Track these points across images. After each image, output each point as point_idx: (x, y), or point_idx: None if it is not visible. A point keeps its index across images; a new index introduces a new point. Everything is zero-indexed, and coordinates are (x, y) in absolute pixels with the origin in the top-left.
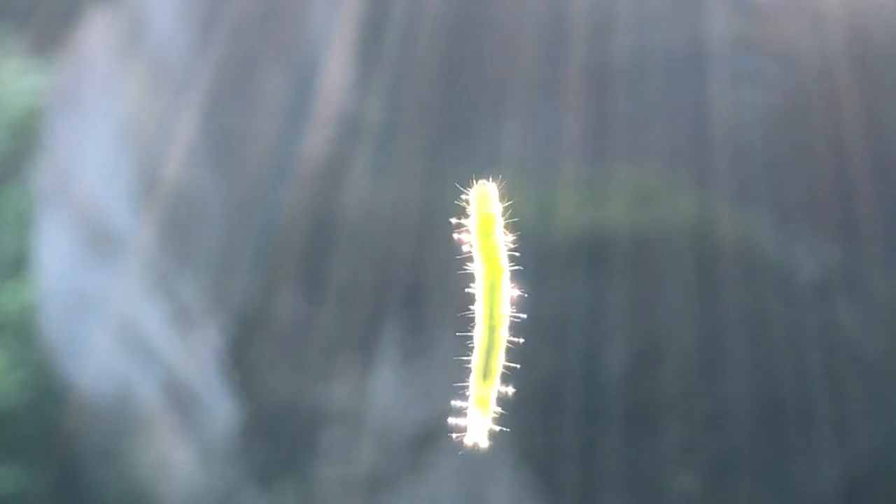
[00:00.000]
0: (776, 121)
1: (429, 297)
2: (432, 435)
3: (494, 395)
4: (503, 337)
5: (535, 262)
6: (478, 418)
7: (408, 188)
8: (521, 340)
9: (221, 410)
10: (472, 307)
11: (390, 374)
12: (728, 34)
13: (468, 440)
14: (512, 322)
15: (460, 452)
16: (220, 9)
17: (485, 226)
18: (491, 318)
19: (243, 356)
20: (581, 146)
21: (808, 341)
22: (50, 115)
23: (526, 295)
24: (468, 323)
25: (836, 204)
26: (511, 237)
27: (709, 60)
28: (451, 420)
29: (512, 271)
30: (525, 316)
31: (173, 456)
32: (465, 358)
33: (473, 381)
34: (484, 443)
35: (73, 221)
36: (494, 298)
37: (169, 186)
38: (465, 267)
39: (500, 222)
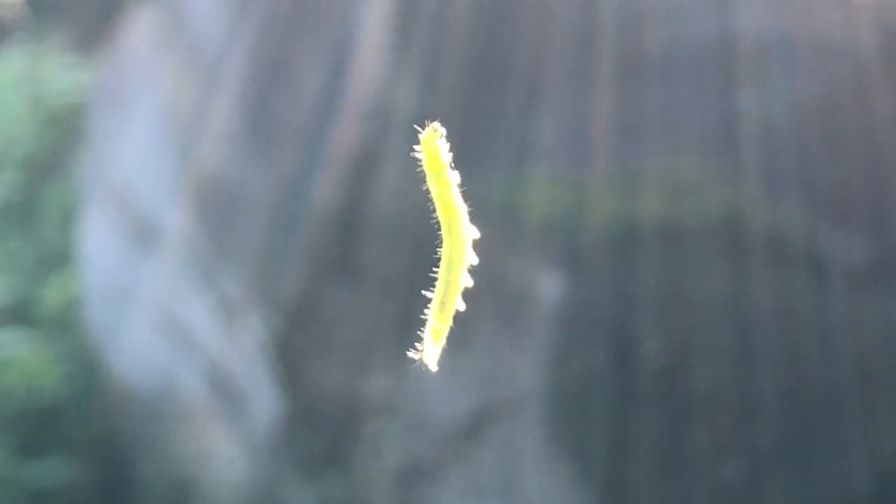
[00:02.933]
0: (809, 112)
1: (469, 288)
2: (475, 426)
3: (447, 327)
4: (461, 274)
5: (569, 254)
6: (431, 345)
7: None
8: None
9: (265, 402)
10: (512, 296)
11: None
12: (761, 25)
13: (421, 362)
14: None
15: (413, 367)
16: (257, 3)
17: (435, 168)
18: (450, 256)
19: (287, 348)
20: (614, 139)
21: (842, 333)
22: (92, 111)
23: (564, 287)
24: (509, 315)
25: (869, 196)
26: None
27: (741, 52)
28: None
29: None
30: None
31: (218, 447)
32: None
33: (431, 312)
34: (433, 367)
35: (116, 215)
36: (452, 238)
37: (210, 179)
38: (506, 257)
39: (449, 164)
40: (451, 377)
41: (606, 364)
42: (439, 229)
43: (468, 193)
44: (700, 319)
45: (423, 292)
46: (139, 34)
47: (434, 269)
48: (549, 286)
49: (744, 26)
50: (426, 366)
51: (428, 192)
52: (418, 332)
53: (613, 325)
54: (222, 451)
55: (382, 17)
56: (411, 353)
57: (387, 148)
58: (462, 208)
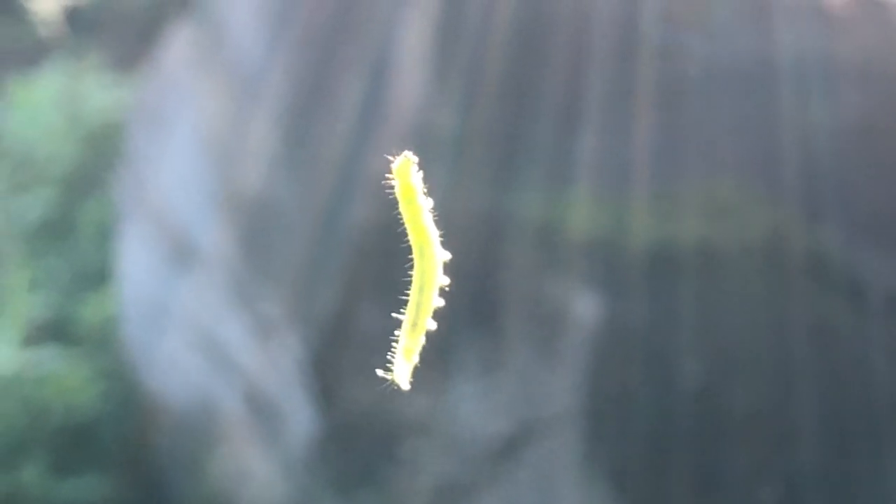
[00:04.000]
0: (849, 135)
1: (506, 308)
2: (511, 446)
3: (419, 346)
4: (432, 296)
5: (607, 275)
6: (403, 364)
7: (482, 199)
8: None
9: (302, 420)
10: (549, 316)
11: (468, 386)
12: (800, 47)
13: (393, 381)
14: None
15: (384, 386)
16: (296, 21)
17: (407, 194)
18: (422, 278)
19: (323, 366)
20: (652, 159)
21: (881, 357)
22: (130, 129)
23: (600, 307)
24: (545, 336)
25: None
26: (431, 205)
27: (781, 73)
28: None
29: (440, 237)
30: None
31: (254, 466)
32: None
33: (403, 332)
34: (405, 385)
35: (154, 233)
36: (424, 261)
37: (249, 198)
38: (542, 277)
39: (421, 191)
40: (488, 397)
41: (643, 385)
42: (474, 248)
43: (506, 212)
44: (738, 341)
45: (460, 313)
46: (178, 53)
47: (469, 288)
48: (585, 306)
49: (784, 48)
50: (397, 385)
51: (466, 211)
52: (391, 352)
53: (650, 346)
54: (258, 469)
55: (422, 37)
56: (381, 372)
57: (424, 168)
58: (434, 232)
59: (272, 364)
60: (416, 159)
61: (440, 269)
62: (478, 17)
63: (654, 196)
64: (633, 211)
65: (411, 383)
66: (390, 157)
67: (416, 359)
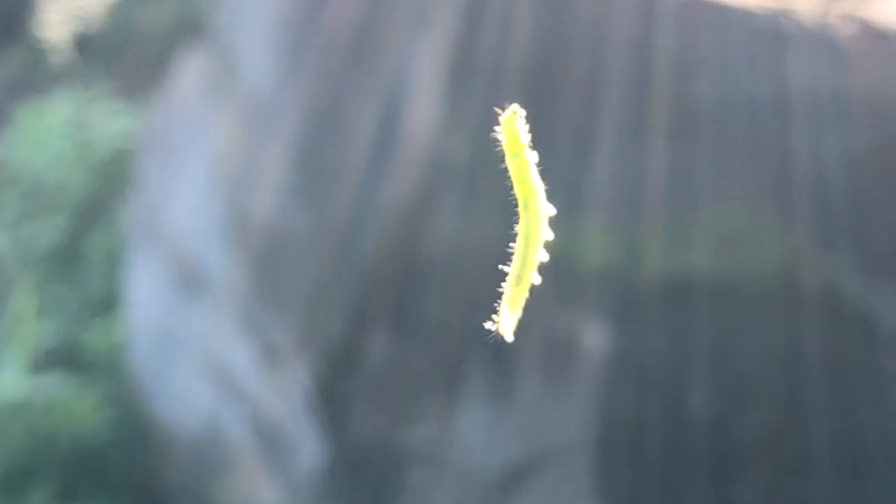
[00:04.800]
0: (863, 167)
1: (516, 336)
2: (520, 476)
3: (524, 299)
4: (537, 249)
5: (618, 305)
6: (508, 316)
7: (494, 229)
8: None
9: (309, 449)
10: (559, 346)
11: (477, 415)
12: (814, 78)
13: (497, 333)
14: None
15: (490, 340)
16: (308, 49)
17: (514, 147)
18: (527, 232)
19: (332, 395)
20: (666, 190)
21: (894, 389)
22: (140, 157)
23: (612, 336)
24: (555, 365)
25: None
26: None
27: (794, 105)
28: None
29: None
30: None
31: (262, 494)
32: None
33: (508, 285)
34: (510, 337)
35: (162, 261)
36: (529, 214)
37: (258, 226)
38: (553, 307)
39: (528, 144)
40: (497, 427)
41: (653, 415)
42: (488, 278)
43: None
44: (750, 372)
45: (469, 342)
46: (189, 81)
47: (480, 317)
48: (596, 336)
49: (797, 79)
50: (503, 335)
51: (478, 240)
52: (494, 306)
53: (661, 376)
54: (266, 497)
55: (436, 65)
56: (487, 325)
57: (438, 197)
58: (539, 186)
59: (280, 392)
60: (523, 112)
61: (545, 223)
62: (491, 47)
63: (667, 226)
64: (645, 240)
65: (418, 412)
66: (498, 110)
67: (519, 312)
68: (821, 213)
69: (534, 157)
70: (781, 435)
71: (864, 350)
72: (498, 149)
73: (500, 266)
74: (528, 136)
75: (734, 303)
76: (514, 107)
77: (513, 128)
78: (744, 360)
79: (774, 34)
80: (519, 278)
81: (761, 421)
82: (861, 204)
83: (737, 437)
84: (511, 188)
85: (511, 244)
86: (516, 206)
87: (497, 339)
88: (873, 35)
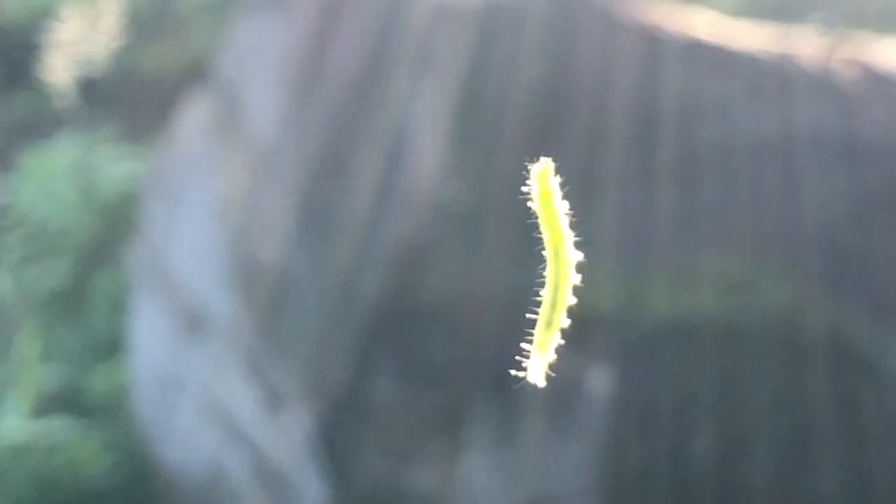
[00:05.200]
0: (868, 210)
1: (519, 381)
2: None
3: (554, 343)
4: (566, 294)
5: (622, 348)
6: (538, 360)
7: (498, 272)
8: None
9: (312, 493)
10: (563, 390)
11: (481, 458)
12: (818, 121)
13: (528, 378)
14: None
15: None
16: (313, 94)
17: (545, 198)
18: (556, 277)
19: (334, 440)
20: (669, 233)
21: None
22: (144, 200)
23: (617, 380)
24: (560, 409)
25: None
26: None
27: (798, 150)
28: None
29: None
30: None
31: None
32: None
33: (538, 330)
34: (541, 382)
35: (166, 305)
36: (559, 260)
37: (261, 270)
38: (558, 351)
39: (558, 194)
40: (501, 470)
41: (657, 460)
42: (490, 321)
43: (522, 285)
44: (755, 416)
45: (472, 386)
46: (193, 124)
47: (483, 361)
48: (600, 380)
49: (800, 124)
50: (534, 380)
51: (482, 284)
52: (522, 350)
53: (665, 420)
54: None
55: (439, 111)
56: (516, 371)
57: (440, 241)
58: (568, 234)
59: (283, 436)
60: (553, 164)
61: (573, 270)
62: (495, 92)
63: (671, 270)
64: (649, 285)
65: (422, 457)
66: (528, 162)
67: (550, 356)
68: (826, 258)
69: (563, 206)
70: (788, 478)
71: (871, 393)
72: (500, 194)
73: (513, 308)
74: (558, 187)
75: (739, 347)
76: (546, 160)
77: (544, 179)
78: (749, 404)
79: (778, 78)
80: (549, 323)
81: (767, 464)
82: (866, 248)
83: (743, 481)
84: (513, 233)
85: (514, 287)
86: (518, 249)
87: (509, 376)
88: (876, 79)
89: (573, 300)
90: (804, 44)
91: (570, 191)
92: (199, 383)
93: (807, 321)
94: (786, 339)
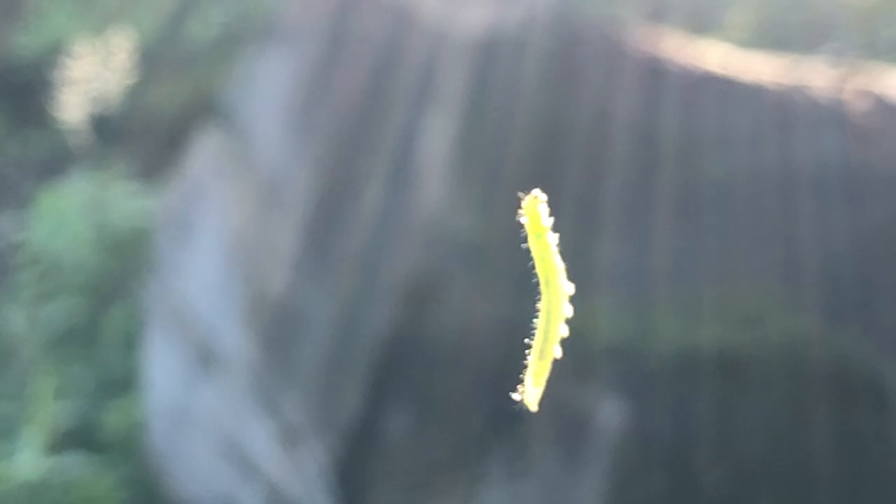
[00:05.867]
0: (871, 242)
1: (530, 414)
2: None
3: (547, 373)
4: (559, 325)
5: (630, 382)
6: (532, 388)
7: (504, 305)
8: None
9: None
10: (572, 423)
11: (494, 492)
12: (821, 155)
13: (522, 405)
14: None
15: (506, 415)
16: (320, 129)
17: (536, 230)
18: (548, 309)
19: (348, 474)
20: (674, 266)
21: None
22: (157, 236)
23: (624, 416)
24: (570, 442)
25: None
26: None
27: (802, 182)
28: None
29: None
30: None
31: None
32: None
33: (532, 359)
34: (534, 408)
35: (179, 340)
36: (550, 292)
37: (273, 304)
38: (566, 384)
39: (549, 227)
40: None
41: (667, 492)
42: (500, 353)
43: (529, 318)
44: (762, 449)
45: (485, 419)
46: (203, 160)
47: (495, 393)
48: (610, 413)
49: (805, 156)
50: (528, 406)
51: (488, 317)
52: (513, 380)
53: (675, 453)
54: None
55: (444, 143)
56: (513, 395)
57: (449, 273)
58: (560, 265)
59: (296, 471)
60: (544, 197)
61: (566, 301)
62: (499, 125)
63: (677, 303)
64: (656, 318)
65: (436, 490)
66: (521, 195)
67: (543, 384)
68: (830, 290)
69: (554, 238)
70: None
71: (876, 425)
72: (506, 226)
73: (523, 341)
74: (550, 220)
75: (745, 380)
76: (536, 191)
77: (535, 211)
78: (755, 438)
79: (786, 111)
80: (542, 352)
81: (777, 497)
82: (870, 281)
83: None
84: (521, 265)
85: (523, 319)
86: (526, 282)
87: (521, 410)
88: (889, 110)
89: (566, 331)
90: (815, 75)
91: (574, 222)
92: (212, 418)
93: (812, 353)
94: (791, 370)
